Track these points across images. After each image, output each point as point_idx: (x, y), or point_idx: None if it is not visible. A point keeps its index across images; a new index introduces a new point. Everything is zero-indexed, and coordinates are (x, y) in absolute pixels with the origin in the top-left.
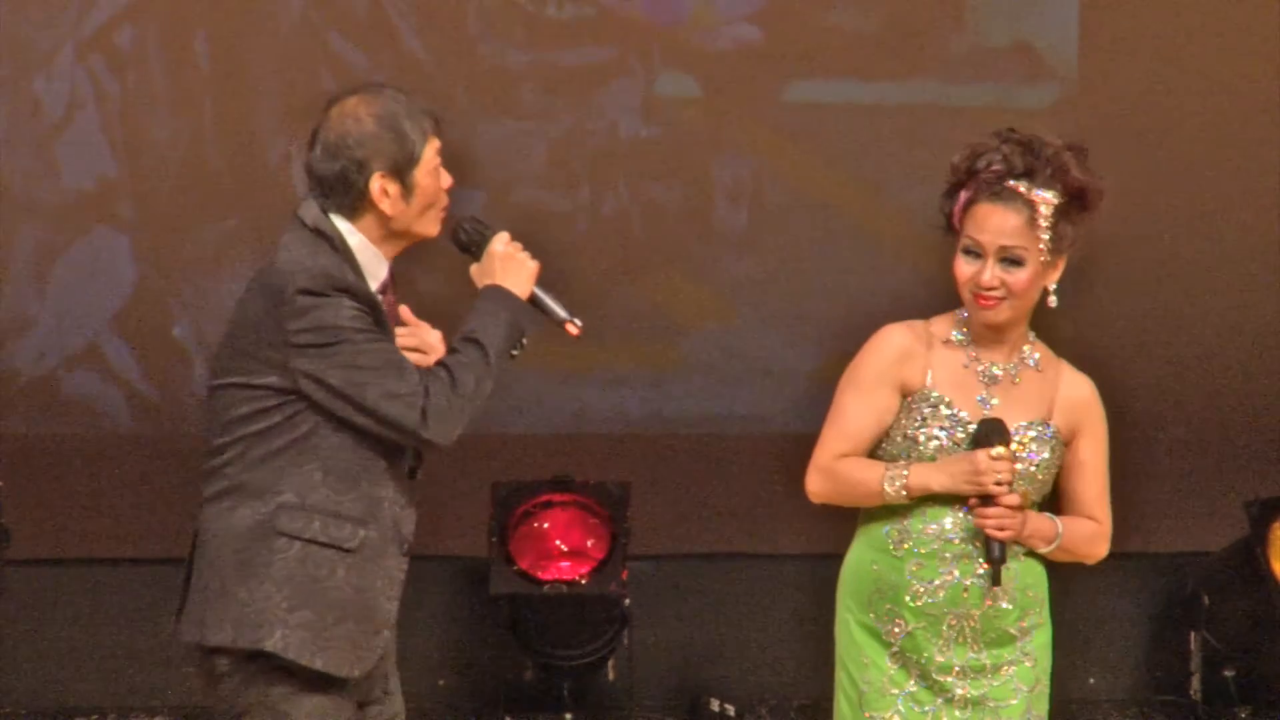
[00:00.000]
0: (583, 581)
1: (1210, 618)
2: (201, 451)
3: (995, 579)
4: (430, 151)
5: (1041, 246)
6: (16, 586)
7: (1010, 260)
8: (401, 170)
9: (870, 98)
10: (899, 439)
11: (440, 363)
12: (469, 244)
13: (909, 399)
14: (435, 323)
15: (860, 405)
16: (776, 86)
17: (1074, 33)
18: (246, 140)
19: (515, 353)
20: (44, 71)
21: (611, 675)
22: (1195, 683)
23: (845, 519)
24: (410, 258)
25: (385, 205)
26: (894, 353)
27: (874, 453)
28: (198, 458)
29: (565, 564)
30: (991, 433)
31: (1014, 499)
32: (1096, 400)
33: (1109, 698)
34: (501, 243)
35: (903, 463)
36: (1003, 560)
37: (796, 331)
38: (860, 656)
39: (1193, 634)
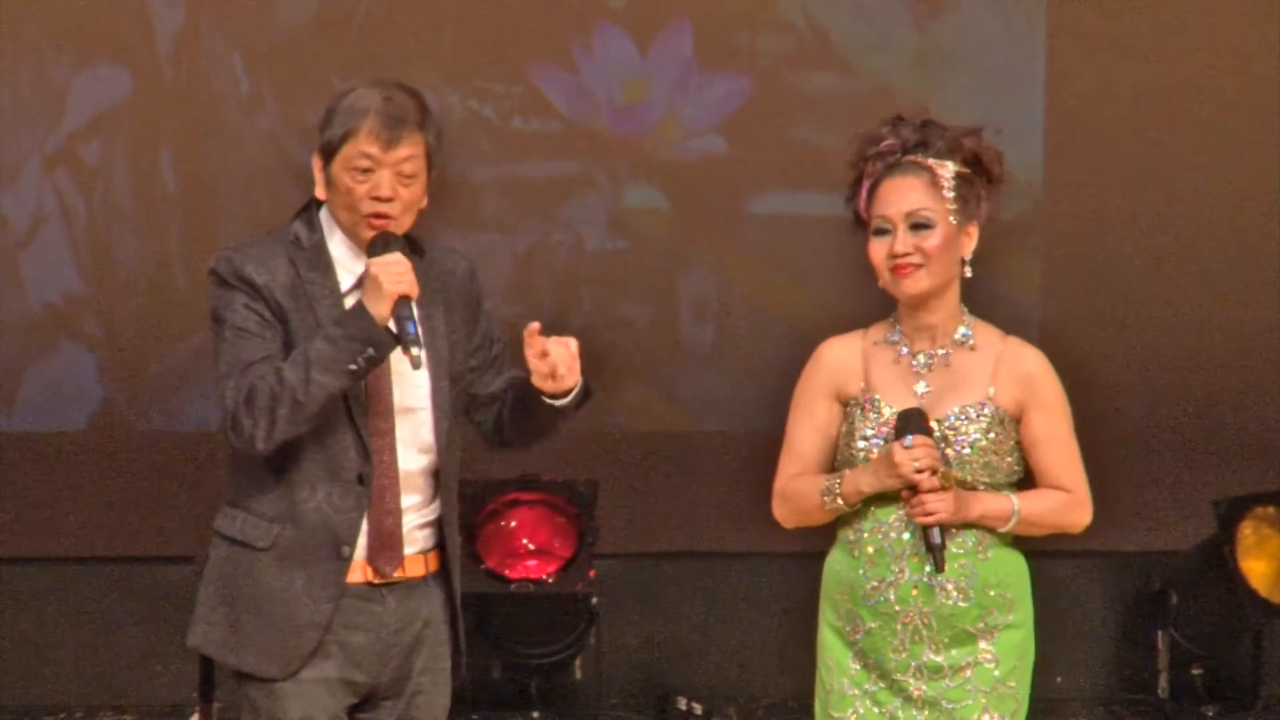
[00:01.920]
0: (550, 580)
1: (1178, 616)
2: None
3: (938, 566)
4: (351, 150)
5: (949, 208)
6: None
7: (919, 225)
8: (325, 156)
9: (836, 210)
10: (842, 448)
11: (273, 367)
12: (373, 256)
13: (849, 406)
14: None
15: (803, 424)
16: (742, 199)
17: (1040, 143)
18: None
19: (353, 367)
20: (9, 186)
21: (579, 674)
22: (1163, 681)
23: None
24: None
25: (318, 188)
26: (827, 365)
27: (831, 467)
28: (166, 458)
29: (532, 562)
30: (907, 422)
31: (932, 482)
32: (1043, 372)
33: (1077, 696)
34: (377, 261)
35: (840, 472)
36: (942, 546)
37: (762, 448)
38: (827, 658)
39: (1160, 632)
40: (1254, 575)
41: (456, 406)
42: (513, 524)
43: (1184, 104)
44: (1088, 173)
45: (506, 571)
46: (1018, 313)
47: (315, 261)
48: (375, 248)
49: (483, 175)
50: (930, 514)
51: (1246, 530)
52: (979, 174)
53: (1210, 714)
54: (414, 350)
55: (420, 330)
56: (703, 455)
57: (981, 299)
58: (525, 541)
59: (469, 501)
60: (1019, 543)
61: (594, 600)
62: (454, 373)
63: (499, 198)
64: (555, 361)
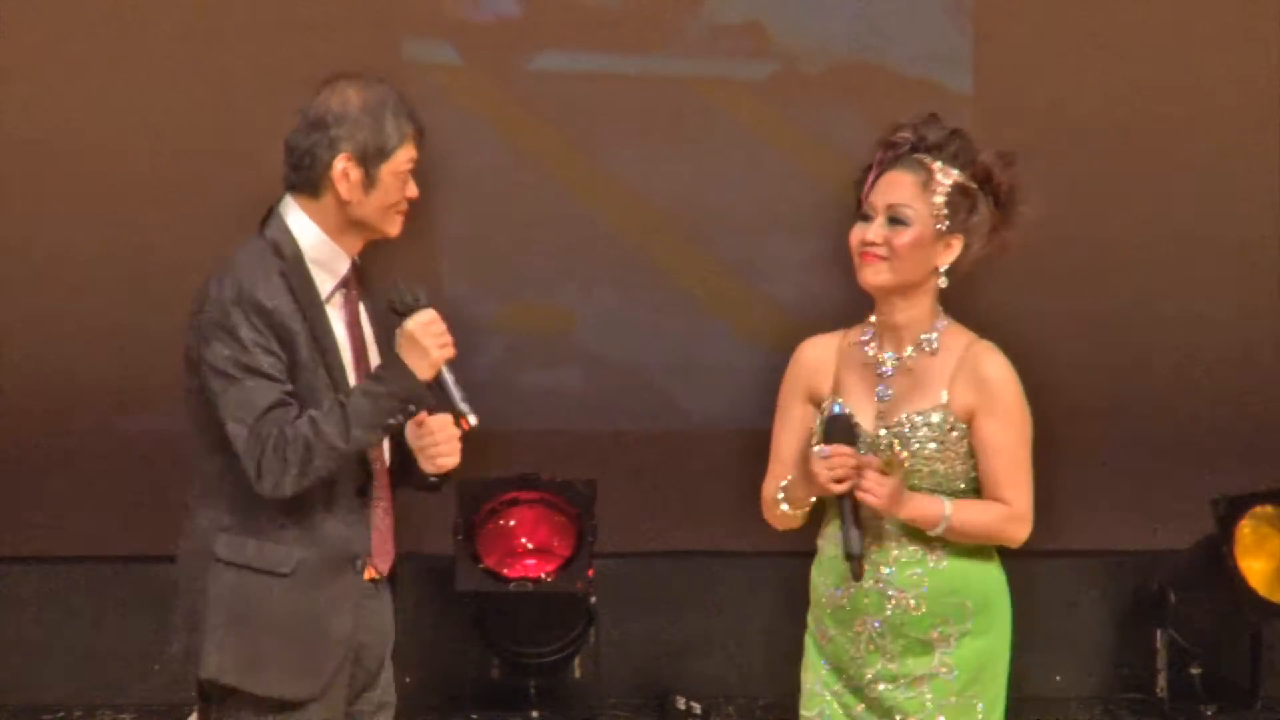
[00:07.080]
0: (549, 579)
1: (1176, 615)
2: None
3: (854, 574)
4: (403, 155)
5: (934, 213)
6: None
7: (896, 219)
8: (369, 159)
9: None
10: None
11: (308, 416)
12: (397, 311)
13: (820, 407)
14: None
15: (782, 427)
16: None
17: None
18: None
19: (392, 422)
20: None
21: (578, 673)
22: (1161, 680)
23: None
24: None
25: (343, 189)
26: (801, 366)
27: None
28: (157, 459)
29: (531, 561)
30: (827, 430)
31: (839, 489)
32: (1000, 378)
33: (1075, 695)
34: (415, 323)
35: (790, 477)
36: (859, 555)
37: (760, 447)
38: (806, 659)
39: (1159, 632)
40: (1252, 574)
41: None
42: (511, 523)
43: (1185, 103)
44: (1086, 172)
45: (505, 570)
46: (1015, 313)
47: (296, 270)
48: (404, 299)
49: None
50: (866, 491)
51: (1245, 529)
52: (985, 192)
53: (1208, 713)
54: (470, 419)
55: (452, 380)
56: (701, 454)
57: (981, 300)
58: (524, 540)
59: (468, 501)
60: (1000, 552)
61: (593, 599)
62: None
63: None
64: (431, 440)
